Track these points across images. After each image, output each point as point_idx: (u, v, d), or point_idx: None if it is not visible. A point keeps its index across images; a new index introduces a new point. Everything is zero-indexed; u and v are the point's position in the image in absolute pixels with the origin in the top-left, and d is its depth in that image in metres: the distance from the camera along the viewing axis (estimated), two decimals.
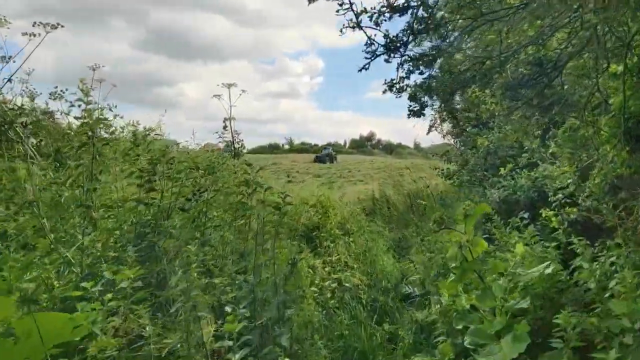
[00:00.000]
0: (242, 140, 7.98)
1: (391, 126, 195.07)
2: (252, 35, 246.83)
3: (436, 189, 15.77)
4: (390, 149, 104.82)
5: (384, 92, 4.68)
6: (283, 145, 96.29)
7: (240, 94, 7.79)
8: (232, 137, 7.72)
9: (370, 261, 5.84)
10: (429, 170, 50.48)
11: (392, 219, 9.01)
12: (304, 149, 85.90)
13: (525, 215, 6.93)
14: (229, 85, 7.61)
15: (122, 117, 8.37)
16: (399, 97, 4.57)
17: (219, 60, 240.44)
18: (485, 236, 7.41)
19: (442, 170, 11.12)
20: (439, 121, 13.29)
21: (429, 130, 13.39)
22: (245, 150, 8.03)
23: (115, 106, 8.30)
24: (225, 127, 7.58)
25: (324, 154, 60.27)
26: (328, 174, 43.83)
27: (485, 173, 8.10)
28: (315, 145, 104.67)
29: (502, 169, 6.54)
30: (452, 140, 13.39)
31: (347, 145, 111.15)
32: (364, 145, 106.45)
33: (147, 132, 7.25)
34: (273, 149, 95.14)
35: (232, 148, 7.73)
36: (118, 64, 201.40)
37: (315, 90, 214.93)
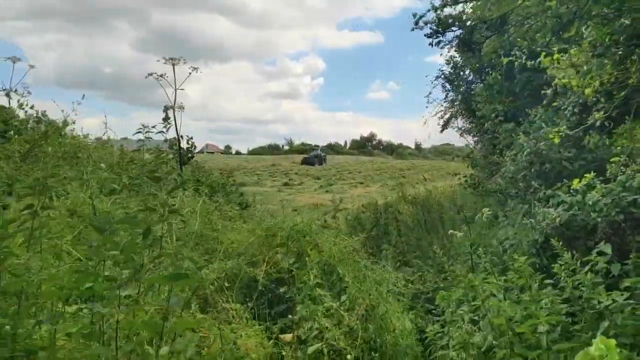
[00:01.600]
0: (192, 138, 5.53)
1: (392, 127, 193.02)
2: (253, 35, 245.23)
3: (449, 196, 13.38)
4: (391, 149, 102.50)
5: None
6: (283, 146, 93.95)
7: (191, 72, 5.37)
8: (178, 133, 5.28)
9: (376, 330, 3.49)
10: (431, 171, 48.37)
11: (402, 242, 6.64)
12: (304, 149, 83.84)
13: (608, 250, 4.47)
14: (173, 61, 5.20)
15: (32, 107, 6.00)
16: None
17: (220, 61, 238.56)
18: (541, 275, 4.94)
19: (465, 176, 8.75)
20: (454, 116, 10.91)
21: (444, 128, 11.04)
22: (193, 152, 5.56)
23: (29, 92, 5.89)
24: (166, 119, 5.15)
25: (312, 155, 57.12)
26: (327, 176, 41.47)
27: (532, 183, 5.70)
28: (316, 146, 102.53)
29: (576, 180, 4.15)
30: (471, 139, 11.04)
31: (348, 145, 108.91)
32: (364, 146, 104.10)
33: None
34: (273, 149, 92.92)
35: (178, 149, 5.29)
36: (120, 65, 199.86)
37: (316, 91, 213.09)
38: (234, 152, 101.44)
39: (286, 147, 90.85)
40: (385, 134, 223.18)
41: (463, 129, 10.99)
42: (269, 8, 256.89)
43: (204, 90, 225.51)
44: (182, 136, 5.26)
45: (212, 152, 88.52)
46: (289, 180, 36.60)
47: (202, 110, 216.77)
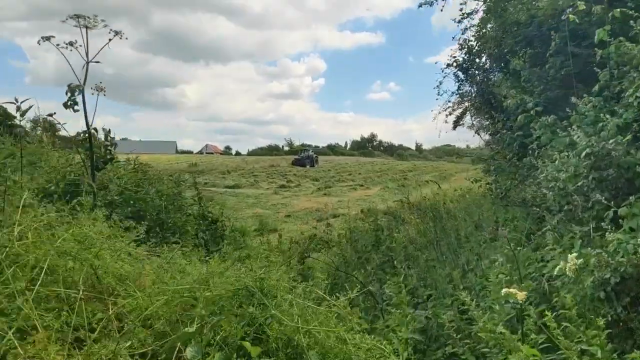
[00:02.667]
0: (110, 132, 3.79)
1: (393, 127, 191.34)
2: (254, 36, 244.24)
3: (460, 202, 11.71)
4: (392, 150, 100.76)
5: None
6: (283, 146, 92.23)
7: (111, 39, 3.67)
8: (89, 125, 3.55)
9: None
10: (433, 172, 46.61)
11: (411, 274, 4.92)
12: (303, 150, 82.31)
13: None
14: (87, 22, 3.50)
15: None
16: None
17: (221, 62, 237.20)
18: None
19: (488, 184, 7.02)
20: (468, 111, 9.18)
21: (456, 124, 9.31)
22: (113, 152, 3.86)
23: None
24: (71, 105, 3.46)
25: (304, 156, 54.79)
26: (326, 178, 39.71)
27: (597, 197, 4.00)
28: (312, 145, 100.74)
29: None
30: (486, 137, 9.29)
31: (348, 146, 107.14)
32: (365, 146, 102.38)
33: None
34: (273, 150, 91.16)
35: (89, 148, 3.56)
36: (120, 66, 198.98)
37: (317, 92, 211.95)
38: (234, 152, 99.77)
39: (286, 148, 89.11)
40: (386, 134, 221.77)
41: (479, 126, 9.29)
42: (270, 9, 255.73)
43: (204, 90, 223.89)
44: (95, 129, 3.56)
45: (212, 153, 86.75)
46: (287, 182, 34.90)
47: (202, 111, 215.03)
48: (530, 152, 6.06)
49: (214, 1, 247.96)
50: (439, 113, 9.51)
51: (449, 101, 9.73)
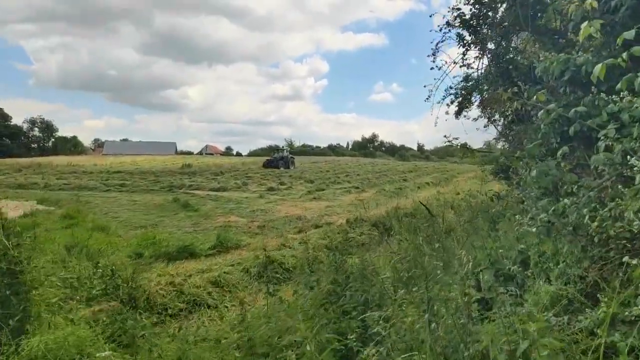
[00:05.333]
0: None
1: (395, 129, 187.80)
2: (257, 38, 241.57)
3: (464, 210, 8.85)
4: (393, 151, 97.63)
5: None
6: (283, 147, 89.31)
7: None
8: None
9: None
10: (435, 173, 43.51)
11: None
12: (303, 151, 79.95)
13: None
14: None
15: None
16: None
17: (224, 63, 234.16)
18: None
19: (522, 202, 4.20)
20: (477, 89, 6.31)
21: (461, 108, 6.42)
22: None
23: None
24: None
25: (277, 157, 51.21)
26: (322, 179, 36.79)
27: None
28: (317, 147, 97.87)
29: None
30: (498, 129, 6.40)
31: (350, 147, 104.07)
32: (366, 147, 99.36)
33: None
34: (273, 151, 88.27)
35: None
36: (124, 68, 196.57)
37: (319, 93, 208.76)
38: (234, 153, 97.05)
39: (286, 149, 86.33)
40: (388, 135, 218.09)
41: (491, 114, 6.40)
42: (272, 11, 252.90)
43: (207, 92, 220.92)
44: None
45: (212, 154, 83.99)
46: (279, 184, 32.04)
47: (205, 112, 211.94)
48: (599, 143, 3.22)
49: (216, 3, 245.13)
50: (438, 103, 6.56)
51: (450, 86, 6.82)
